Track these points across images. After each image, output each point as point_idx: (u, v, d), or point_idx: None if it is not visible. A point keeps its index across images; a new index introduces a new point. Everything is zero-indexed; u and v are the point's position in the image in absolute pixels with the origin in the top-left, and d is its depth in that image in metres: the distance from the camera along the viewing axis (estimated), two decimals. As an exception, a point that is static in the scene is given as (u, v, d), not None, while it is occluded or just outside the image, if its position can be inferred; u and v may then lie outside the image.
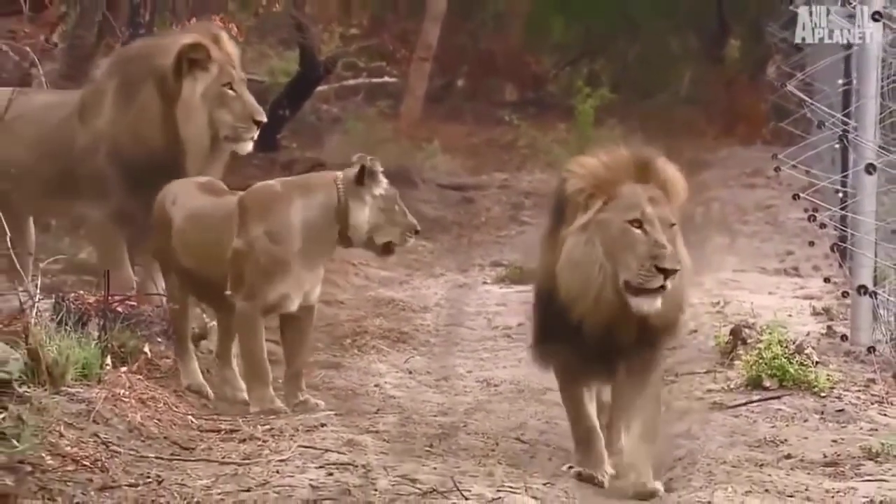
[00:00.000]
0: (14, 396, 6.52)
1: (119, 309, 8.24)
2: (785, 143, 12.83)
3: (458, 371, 9.15)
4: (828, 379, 8.06)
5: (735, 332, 8.84)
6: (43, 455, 6.12)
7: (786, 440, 7.28)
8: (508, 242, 13.87)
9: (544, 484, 6.66)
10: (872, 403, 7.91)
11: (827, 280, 10.30)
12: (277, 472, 6.42)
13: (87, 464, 6.22)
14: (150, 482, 6.21)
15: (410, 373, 9.05)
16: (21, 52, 11.33)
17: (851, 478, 6.78)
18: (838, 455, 7.05)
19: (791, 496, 6.48)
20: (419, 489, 6.33)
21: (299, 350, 7.81)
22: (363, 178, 7.62)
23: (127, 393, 7.26)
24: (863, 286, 8.78)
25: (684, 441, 7.45)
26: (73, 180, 9.05)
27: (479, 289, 11.80)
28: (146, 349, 8.06)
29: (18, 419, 6.29)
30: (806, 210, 10.04)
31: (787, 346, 8.19)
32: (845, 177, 9.74)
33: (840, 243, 9.47)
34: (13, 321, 7.65)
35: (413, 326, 10.25)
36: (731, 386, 8.23)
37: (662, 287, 6.45)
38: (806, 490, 6.55)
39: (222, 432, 7.21)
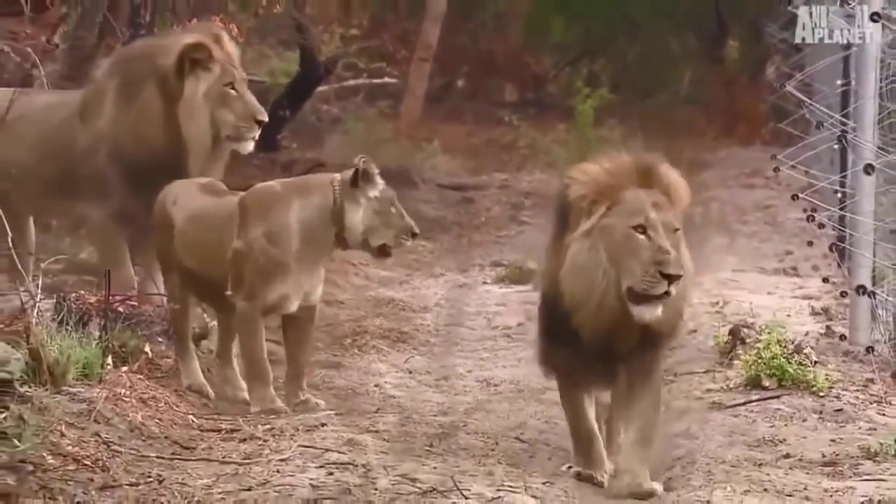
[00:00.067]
0: (15, 396, 6.52)
1: (120, 309, 8.26)
2: (784, 143, 12.83)
3: (457, 371, 9.16)
4: (826, 379, 8.07)
5: (734, 332, 8.86)
6: (44, 454, 6.14)
7: (784, 440, 7.29)
8: (508, 242, 13.88)
9: (544, 483, 6.67)
10: (871, 403, 7.92)
11: (826, 280, 10.32)
12: (278, 471, 6.43)
13: (89, 463, 6.23)
14: (150, 481, 6.22)
15: (410, 372, 9.06)
16: (22, 52, 11.35)
17: (850, 477, 6.79)
18: (837, 454, 7.07)
19: (790, 495, 6.48)
20: (419, 488, 6.34)
21: (301, 350, 7.82)
22: (357, 180, 7.64)
23: (128, 392, 7.28)
24: (861, 286, 8.79)
25: (683, 440, 7.46)
26: (74, 180, 9.07)
27: (479, 289, 11.81)
28: (147, 349, 8.07)
29: (20, 419, 6.30)
30: (805, 210, 10.04)
31: (785, 346, 8.20)
32: (844, 177, 9.75)
33: (839, 243, 9.48)
34: (14, 321, 7.67)
35: (413, 326, 10.26)
36: (730, 385, 8.24)
37: (667, 293, 6.43)
38: (805, 489, 6.56)
39: (223, 432, 7.23)
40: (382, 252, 7.76)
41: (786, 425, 7.53)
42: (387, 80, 20.07)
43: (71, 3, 12.31)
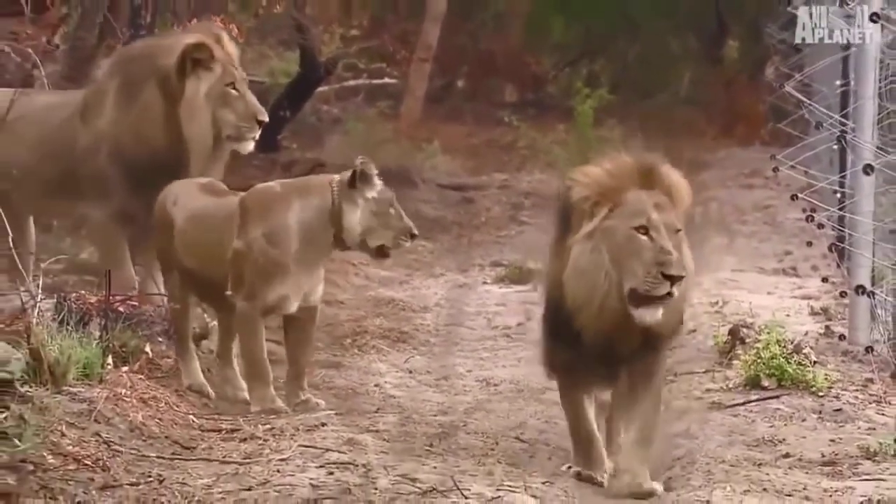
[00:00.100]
0: (16, 396, 6.53)
1: (120, 309, 8.26)
2: (783, 143, 12.84)
3: (457, 370, 9.17)
4: (826, 378, 8.08)
5: (733, 332, 8.86)
6: (45, 454, 6.14)
7: (784, 439, 7.29)
8: (508, 242, 13.88)
9: (543, 483, 6.68)
10: (870, 403, 7.93)
11: (825, 280, 10.33)
12: (278, 471, 6.44)
13: (89, 463, 6.24)
14: (151, 481, 6.23)
15: (410, 372, 9.07)
16: (23, 53, 11.36)
17: (849, 477, 6.79)
18: (836, 454, 7.07)
19: (789, 495, 6.49)
20: (419, 488, 6.35)
21: (302, 350, 7.83)
22: (355, 181, 7.64)
23: (128, 392, 7.28)
24: (861, 286, 8.79)
25: (683, 440, 7.46)
26: (75, 180, 9.07)
27: (478, 289, 11.81)
28: (147, 349, 8.08)
29: (20, 418, 6.31)
30: (804, 210, 10.04)
31: (785, 346, 8.21)
32: (843, 177, 9.75)
33: (838, 243, 9.49)
34: (15, 321, 7.68)
35: (413, 326, 10.27)
36: (730, 385, 8.25)
37: (669, 294, 6.43)
38: (804, 489, 6.56)
39: (223, 431, 7.23)
40: (381, 253, 7.76)
41: (785, 425, 7.54)
42: (387, 80, 20.07)
43: (71, 3, 12.31)
